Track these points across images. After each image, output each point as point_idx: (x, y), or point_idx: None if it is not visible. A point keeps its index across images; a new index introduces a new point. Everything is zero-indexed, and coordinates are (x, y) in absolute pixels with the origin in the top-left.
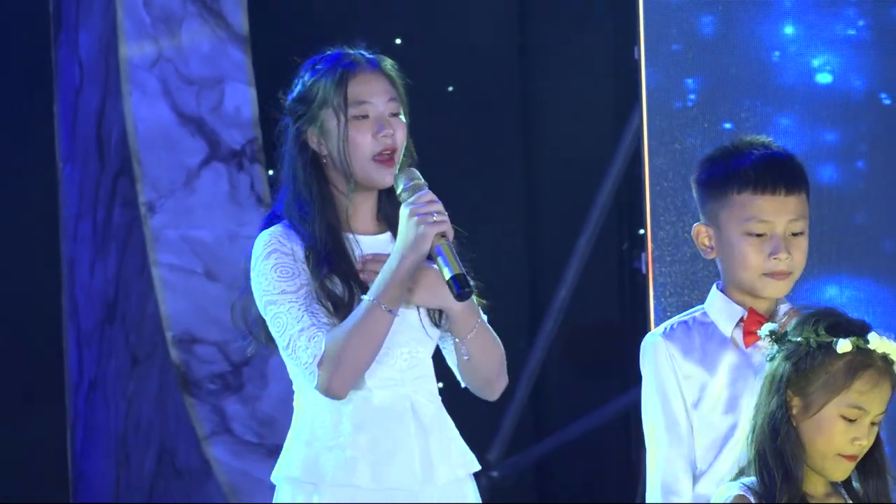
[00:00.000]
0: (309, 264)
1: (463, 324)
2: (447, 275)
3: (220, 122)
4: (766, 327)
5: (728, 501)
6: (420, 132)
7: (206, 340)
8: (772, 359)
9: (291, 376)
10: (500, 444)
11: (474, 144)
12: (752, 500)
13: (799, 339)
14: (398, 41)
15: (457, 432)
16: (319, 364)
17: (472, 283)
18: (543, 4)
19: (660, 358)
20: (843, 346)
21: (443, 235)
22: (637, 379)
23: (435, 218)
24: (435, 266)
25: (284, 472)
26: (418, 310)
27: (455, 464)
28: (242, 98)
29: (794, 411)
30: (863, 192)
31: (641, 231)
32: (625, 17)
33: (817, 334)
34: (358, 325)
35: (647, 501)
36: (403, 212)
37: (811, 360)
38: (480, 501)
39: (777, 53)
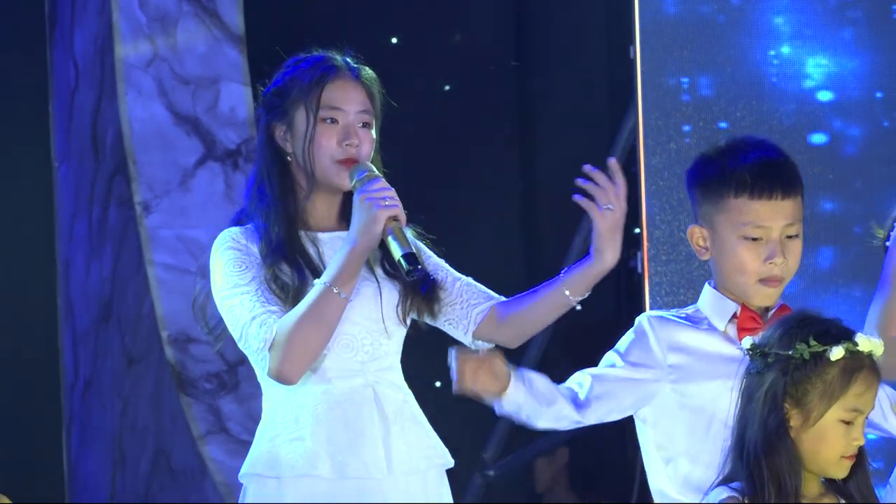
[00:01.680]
0: (262, 254)
1: (586, 287)
2: (398, 253)
3: (215, 122)
4: (748, 340)
5: (718, 502)
6: (416, 131)
7: (202, 340)
8: (759, 373)
9: (258, 377)
10: (496, 443)
11: (470, 143)
12: (744, 500)
13: (790, 352)
14: (394, 40)
15: (427, 425)
16: (270, 348)
17: (420, 263)
18: (539, 4)
19: (648, 332)
20: (837, 353)
21: (394, 219)
22: None
23: (387, 202)
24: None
25: (249, 470)
26: (381, 304)
27: (417, 455)
28: (238, 98)
29: (793, 423)
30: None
31: (637, 230)
32: (620, 17)
33: (808, 345)
34: (309, 309)
35: None
36: (356, 198)
37: (806, 371)
38: (449, 497)
39: (773, 52)
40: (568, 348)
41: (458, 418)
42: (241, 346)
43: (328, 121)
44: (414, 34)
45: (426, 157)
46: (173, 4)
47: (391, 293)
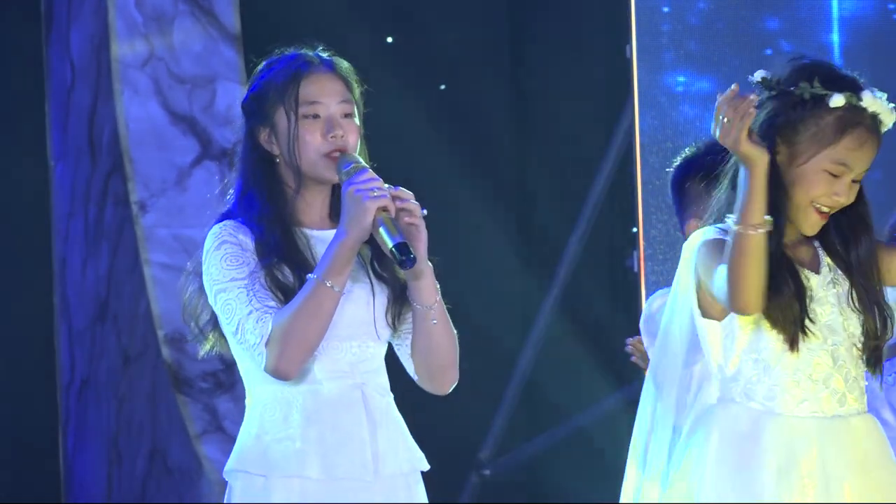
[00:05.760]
0: (258, 255)
1: (428, 290)
2: (389, 244)
3: (211, 121)
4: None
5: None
6: (412, 130)
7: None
8: (761, 104)
9: (242, 374)
10: (493, 442)
11: (466, 142)
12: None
13: (793, 88)
14: (389, 40)
15: (406, 430)
16: (267, 343)
17: (412, 253)
18: (535, 3)
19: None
20: (836, 101)
21: (384, 210)
22: (628, 377)
23: (375, 193)
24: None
25: (235, 467)
26: (373, 308)
27: (401, 458)
28: (234, 97)
29: (780, 158)
30: None
31: (634, 229)
32: (616, 16)
33: (812, 86)
34: (304, 303)
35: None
36: (344, 190)
37: (802, 110)
38: (426, 499)
39: (769, 51)
40: (564, 347)
41: (454, 418)
42: (236, 339)
43: (310, 117)
44: (409, 33)
45: (421, 156)
46: (169, 4)
47: (382, 297)
